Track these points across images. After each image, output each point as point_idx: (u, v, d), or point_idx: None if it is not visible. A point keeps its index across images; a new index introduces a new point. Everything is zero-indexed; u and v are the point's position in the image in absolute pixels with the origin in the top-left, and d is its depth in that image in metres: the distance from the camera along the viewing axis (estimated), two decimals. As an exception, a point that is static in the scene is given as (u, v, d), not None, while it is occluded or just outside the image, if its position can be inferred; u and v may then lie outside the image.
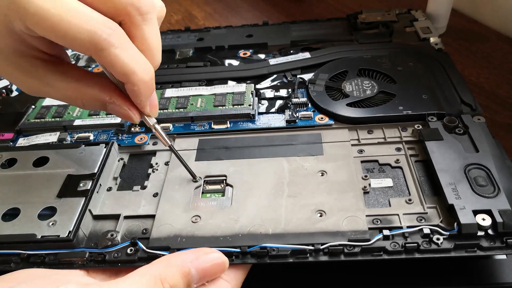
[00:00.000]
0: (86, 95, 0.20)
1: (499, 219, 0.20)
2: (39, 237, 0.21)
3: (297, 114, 0.29)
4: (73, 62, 0.38)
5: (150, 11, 0.19)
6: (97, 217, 0.23)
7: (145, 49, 0.19)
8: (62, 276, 0.19)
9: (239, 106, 0.29)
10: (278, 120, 0.29)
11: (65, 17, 0.17)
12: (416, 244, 0.20)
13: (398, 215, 0.22)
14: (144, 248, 0.21)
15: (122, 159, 0.27)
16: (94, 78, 0.21)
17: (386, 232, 0.21)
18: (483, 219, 0.20)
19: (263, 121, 0.29)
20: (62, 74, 0.20)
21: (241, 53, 0.37)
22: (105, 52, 0.18)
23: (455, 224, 0.20)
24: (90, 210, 0.23)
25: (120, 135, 0.29)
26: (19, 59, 0.19)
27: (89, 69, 0.37)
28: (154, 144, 0.28)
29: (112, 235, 0.22)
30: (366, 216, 0.22)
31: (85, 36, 0.17)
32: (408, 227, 0.21)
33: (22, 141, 0.29)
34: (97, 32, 0.17)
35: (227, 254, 0.20)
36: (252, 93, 0.31)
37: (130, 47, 0.19)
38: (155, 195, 0.24)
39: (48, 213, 0.23)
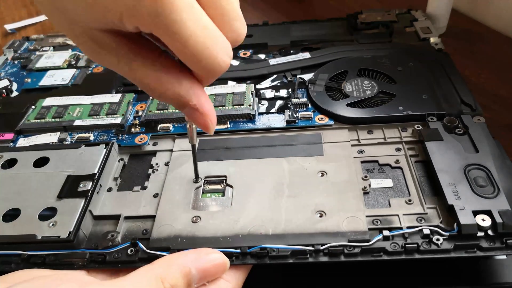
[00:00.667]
0: (169, 91, 0.17)
1: (499, 219, 0.20)
2: (40, 237, 0.21)
3: (297, 115, 0.29)
4: (73, 63, 0.38)
5: None
6: (97, 218, 0.23)
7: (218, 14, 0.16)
8: (63, 275, 0.19)
9: (239, 106, 0.29)
10: (278, 121, 0.29)
11: (199, 45, 0.15)
12: (416, 245, 0.20)
13: (398, 215, 0.22)
14: (145, 248, 0.21)
15: (122, 159, 0.27)
16: (183, 74, 0.17)
17: (386, 232, 0.21)
18: (483, 220, 0.20)
19: (263, 122, 0.29)
20: (147, 58, 0.17)
21: (241, 53, 0.37)
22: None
23: (455, 224, 0.20)
24: (90, 211, 0.23)
25: (120, 135, 0.29)
26: (99, 33, 0.16)
27: (89, 69, 0.37)
28: (154, 144, 0.28)
29: (112, 235, 0.22)
30: (366, 216, 0.22)
31: (210, 66, 0.16)
32: (408, 227, 0.21)
33: (22, 142, 0.29)
34: (224, 64, 0.16)
35: (227, 255, 0.20)
36: (252, 93, 0.31)
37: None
38: (155, 195, 0.24)
39: (48, 213, 0.23)
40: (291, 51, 0.36)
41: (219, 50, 0.16)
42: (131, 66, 0.17)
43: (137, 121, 0.30)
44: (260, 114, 0.29)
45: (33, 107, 0.32)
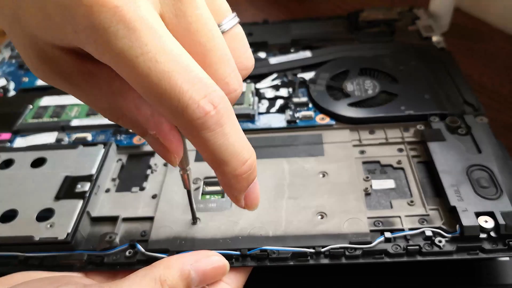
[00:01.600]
0: (126, 117, 0.15)
1: (501, 221, 0.20)
2: (37, 239, 0.21)
3: (298, 114, 0.28)
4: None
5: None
6: (95, 219, 0.23)
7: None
8: (61, 278, 0.19)
9: (239, 106, 0.29)
10: (279, 120, 0.28)
11: (154, 78, 0.12)
12: (418, 247, 0.20)
13: (400, 217, 0.21)
14: (143, 250, 0.21)
15: (120, 160, 0.27)
16: (144, 102, 0.15)
17: (387, 234, 0.20)
18: (486, 221, 0.20)
19: (263, 121, 0.28)
20: (102, 81, 0.14)
21: (241, 52, 0.36)
22: (194, 134, 0.13)
23: (457, 226, 0.20)
24: (88, 212, 0.23)
25: (119, 135, 0.28)
26: (53, 51, 0.14)
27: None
28: (153, 144, 0.28)
29: (110, 237, 0.22)
30: (368, 218, 0.21)
31: (173, 109, 0.12)
32: (410, 229, 0.21)
33: (19, 142, 0.29)
34: (188, 109, 0.12)
35: (227, 257, 0.19)
36: (252, 93, 0.30)
37: (231, 131, 0.14)
38: (154, 196, 0.24)
39: (46, 215, 0.22)
40: (292, 50, 0.35)
41: (190, 86, 0.12)
42: (83, 89, 0.15)
43: (136, 121, 0.29)
44: (260, 113, 0.29)
45: (30, 106, 0.31)
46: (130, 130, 0.28)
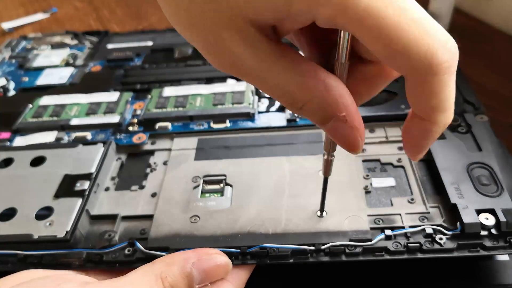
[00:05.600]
0: (315, 99, 0.15)
1: (502, 218, 0.20)
2: (36, 237, 0.21)
3: (298, 113, 0.28)
4: (71, 62, 0.37)
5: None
6: (94, 217, 0.23)
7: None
8: (62, 275, 0.19)
9: (239, 104, 0.29)
10: (278, 119, 0.28)
11: (404, 26, 0.12)
12: (418, 244, 0.20)
13: (400, 214, 0.21)
14: (142, 248, 0.21)
15: (120, 158, 0.27)
16: (331, 80, 0.15)
17: (388, 232, 0.20)
18: (486, 219, 0.20)
19: (263, 120, 0.28)
20: (290, 62, 0.14)
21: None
22: (435, 78, 0.13)
23: (458, 223, 0.20)
24: (87, 210, 0.23)
25: (118, 134, 0.28)
26: (251, 30, 0.14)
27: (87, 68, 0.37)
28: (153, 143, 0.28)
29: (110, 235, 0.22)
30: (368, 215, 0.21)
31: (422, 53, 0.13)
32: (411, 226, 0.21)
33: (19, 141, 0.29)
34: (438, 52, 0.13)
35: (227, 255, 0.19)
36: (252, 92, 0.30)
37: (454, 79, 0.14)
38: (154, 195, 0.24)
39: (45, 213, 0.22)
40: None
41: (435, 31, 0.13)
42: (272, 70, 0.14)
43: (135, 120, 0.29)
44: (260, 112, 0.29)
45: (30, 106, 0.31)
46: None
